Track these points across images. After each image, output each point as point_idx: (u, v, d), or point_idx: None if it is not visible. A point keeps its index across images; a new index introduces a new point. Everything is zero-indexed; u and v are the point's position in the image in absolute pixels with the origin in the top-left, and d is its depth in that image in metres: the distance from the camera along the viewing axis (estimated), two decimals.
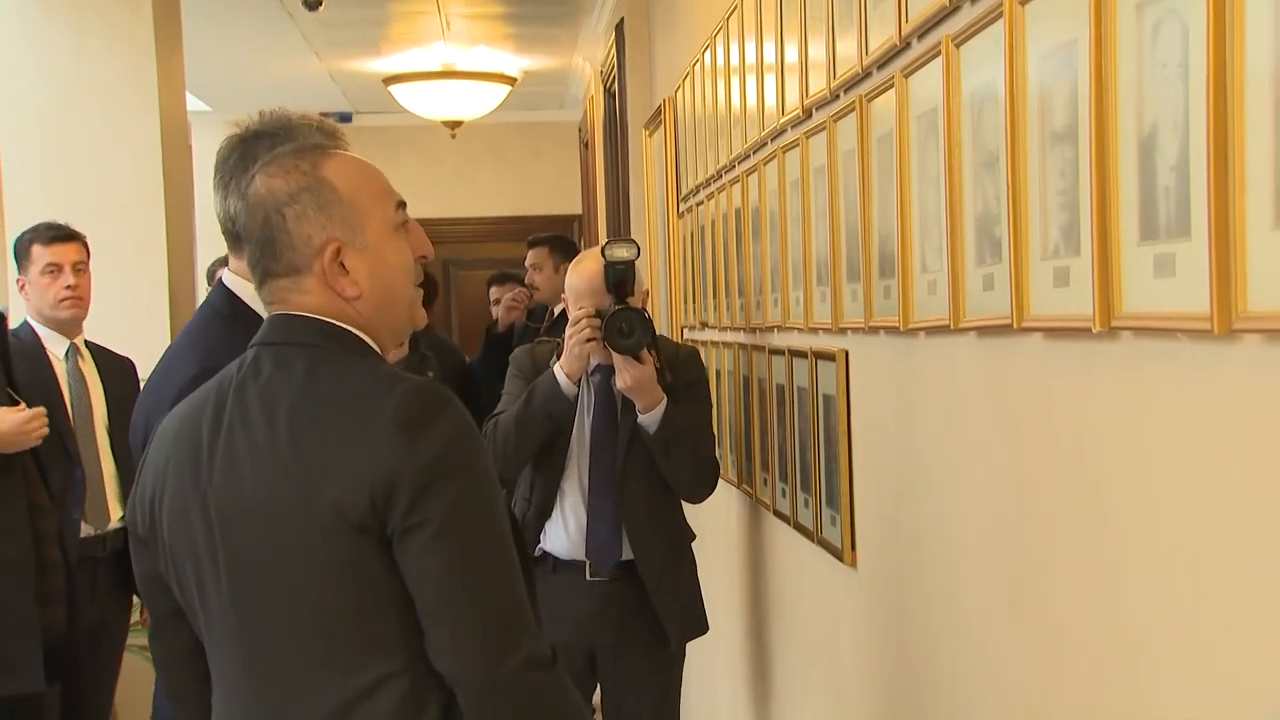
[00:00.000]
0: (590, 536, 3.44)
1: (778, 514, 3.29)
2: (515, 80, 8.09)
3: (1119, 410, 1.51)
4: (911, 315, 2.15)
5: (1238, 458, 1.26)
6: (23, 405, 3.79)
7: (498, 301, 6.52)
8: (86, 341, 4.45)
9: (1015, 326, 1.71)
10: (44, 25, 5.28)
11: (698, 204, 4.34)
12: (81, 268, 4.37)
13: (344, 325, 1.78)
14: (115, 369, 4.48)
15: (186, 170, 5.82)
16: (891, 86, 2.20)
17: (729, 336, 3.87)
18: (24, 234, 4.39)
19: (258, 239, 1.79)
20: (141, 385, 4.50)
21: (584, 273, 3.38)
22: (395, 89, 7.86)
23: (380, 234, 1.81)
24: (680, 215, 4.79)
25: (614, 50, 6.12)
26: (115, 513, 4.27)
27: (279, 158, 1.83)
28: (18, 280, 4.36)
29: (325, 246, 1.76)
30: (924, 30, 2.06)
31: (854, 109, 2.41)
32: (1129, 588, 1.50)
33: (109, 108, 5.30)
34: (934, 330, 2.07)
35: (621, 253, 3.25)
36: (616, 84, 6.10)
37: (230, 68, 8.30)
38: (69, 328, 4.35)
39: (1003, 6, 1.72)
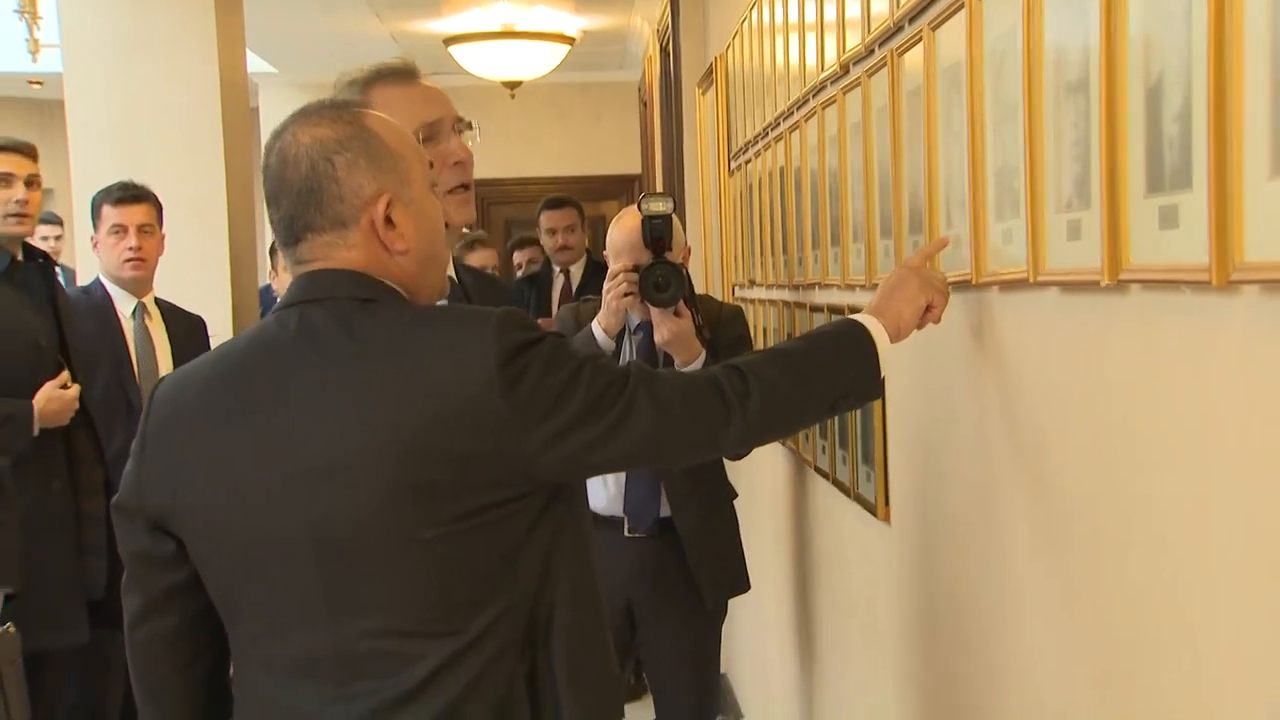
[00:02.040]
0: (629, 494, 3.45)
1: (818, 470, 3.28)
2: (574, 40, 8.08)
3: (1129, 363, 1.49)
4: (938, 270, 2.13)
5: (1237, 408, 1.24)
6: (66, 376, 3.83)
7: (521, 266, 6.51)
8: (158, 300, 4.50)
9: (1031, 280, 1.69)
10: None
11: (746, 162, 4.33)
12: (149, 230, 4.41)
13: (384, 280, 1.70)
14: (184, 326, 4.54)
15: (247, 129, 5.85)
16: (920, 40, 2.17)
17: (774, 294, 3.85)
18: (98, 193, 4.44)
19: (299, 190, 1.68)
20: (212, 344, 4.60)
21: (624, 229, 3.37)
22: (455, 49, 7.87)
23: (423, 189, 1.75)
24: (731, 173, 4.77)
25: (669, 9, 6.09)
26: None
27: (315, 110, 1.74)
28: (91, 238, 4.43)
29: (378, 197, 1.68)
30: None
31: (885, 64, 2.39)
32: (1139, 537, 1.48)
33: (170, 66, 5.34)
34: (959, 285, 2.05)
35: (657, 206, 3.23)
36: (671, 43, 6.07)
37: (294, 30, 8.34)
38: (135, 286, 4.40)
39: None
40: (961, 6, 1.95)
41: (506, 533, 1.65)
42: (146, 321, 4.45)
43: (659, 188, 6.99)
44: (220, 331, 4.91)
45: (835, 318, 2.96)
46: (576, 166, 10.17)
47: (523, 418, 1.61)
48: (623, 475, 3.45)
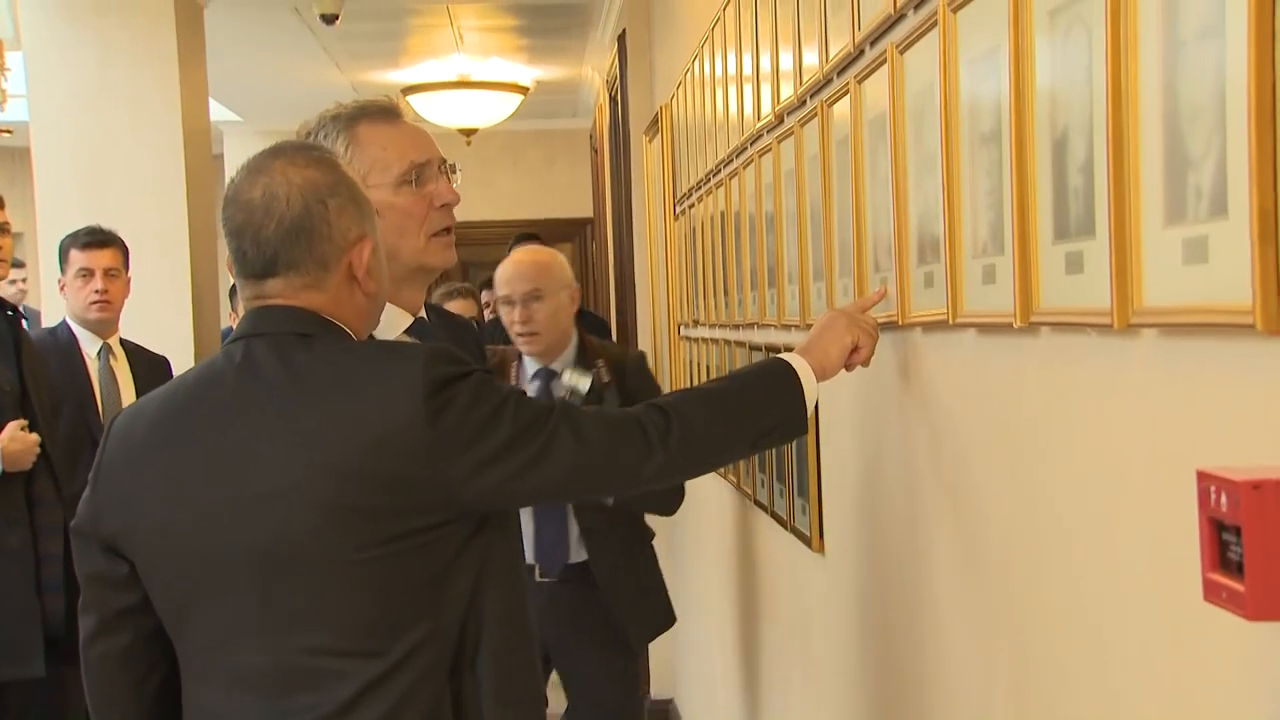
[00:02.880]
0: (538, 540, 3.42)
1: (758, 503, 3.28)
2: (528, 90, 8.11)
3: (1041, 401, 1.50)
4: (868, 315, 2.14)
5: (1140, 444, 1.25)
6: (24, 421, 3.79)
7: (489, 304, 6.46)
8: (123, 340, 4.48)
9: (951, 322, 1.71)
10: (71, 36, 5.29)
11: (690, 207, 4.34)
12: (115, 273, 4.39)
13: (333, 320, 1.71)
14: (148, 365, 4.50)
15: (210, 176, 5.83)
16: (848, 92, 2.19)
17: (716, 333, 3.87)
18: (65, 238, 4.42)
19: (290, 228, 1.67)
20: None
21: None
22: (413, 99, 7.87)
23: (380, 234, 1.78)
24: (676, 218, 4.79)
25: (617, 60, 6.12)
26: None
27: (295, 150, 1.73)
28: (59, 281, 4.39)
29: (361, 242, 1.71)
30: (874, 38, 2.05)
31: (816, 114, 2.41)
32: (1054, 562, 1.49)
33: (134, 115, 5.31)
34: (886, 326, 2.06)
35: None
36: (619, 93, 6.10)
37: (257, 80, 8.33)
38: (101, 328, 4.38)
39: (938, 14, 1.72)
40: (884, 62, 1.97)
41: (435, 556, 1.66)
42: (111, 362, 4.42)
43: (609, 231, 7.01)
44: (183, 371, 4.87)
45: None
46: (531, 210, 10.19)
47: (447, 446, 1.63)
48: (531, 522, 3.41)
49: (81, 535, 1.78)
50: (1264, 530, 0.94)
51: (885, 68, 1.96)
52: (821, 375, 1.98)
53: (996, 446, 1.66)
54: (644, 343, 5.76)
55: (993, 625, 1.71)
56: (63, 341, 4.35)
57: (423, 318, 2.17)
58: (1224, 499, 0.97)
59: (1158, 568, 1.22)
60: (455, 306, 5.15)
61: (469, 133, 8.21)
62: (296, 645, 1.66)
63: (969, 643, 1.82)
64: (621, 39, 5.95)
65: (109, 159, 5.29)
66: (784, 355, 1.99)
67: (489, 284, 6.74)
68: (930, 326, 1.85)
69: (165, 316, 5.22)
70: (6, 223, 4.04)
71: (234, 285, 5.52)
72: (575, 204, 9.91)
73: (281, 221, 1.67)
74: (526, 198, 10.29)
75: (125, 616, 1.76)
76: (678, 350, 4.85)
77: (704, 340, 4.13)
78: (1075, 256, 1.34)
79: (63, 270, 4.38)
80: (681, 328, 4.76)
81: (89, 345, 4.37)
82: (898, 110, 1.92)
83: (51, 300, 4.93)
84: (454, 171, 2.17)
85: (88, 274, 4.34)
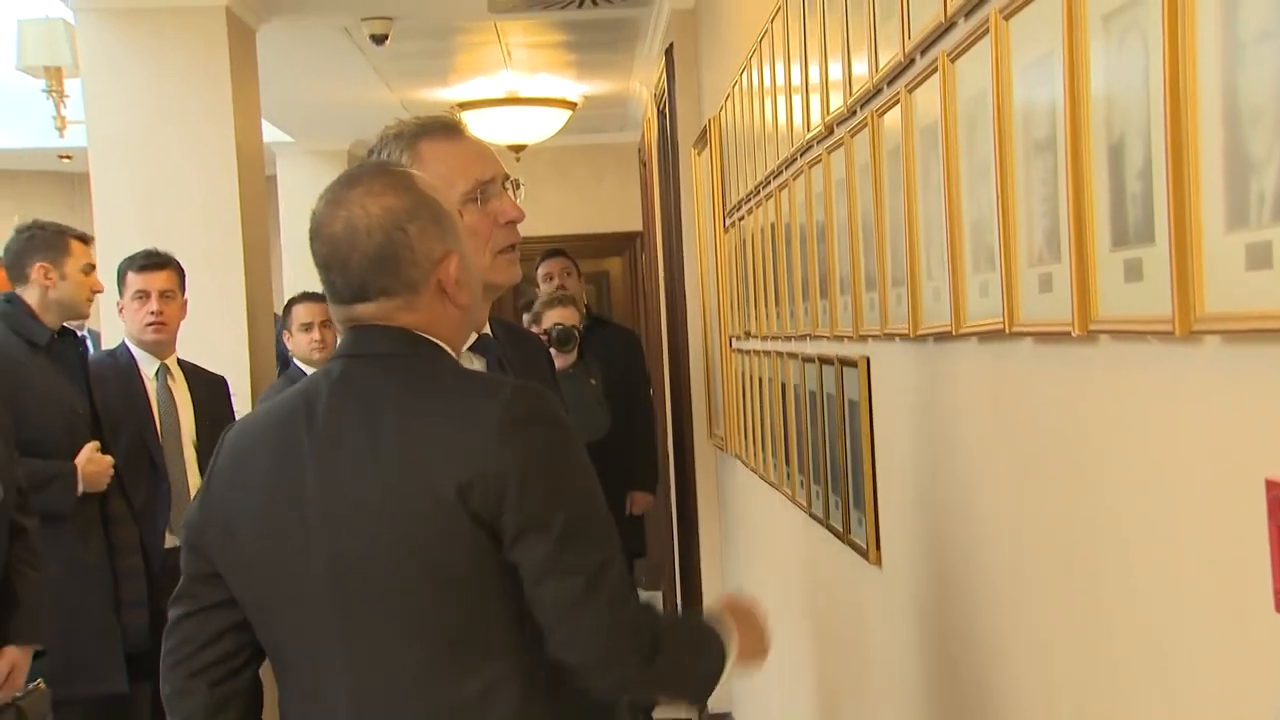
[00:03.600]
0: None
1: (813, 515, 3.26)
2: (576, 105, 8.12)
3: (1100, 412, 1.48)
4: (920, 322, 2.13)
5: (1203, 455, 1.23)
6: (98, 444, 3.87)
7: (550, 277, 6.41)
8: (181, 361, 4.52)
9: (1007, 331, 1.69)
10: (127, 62, 5.35)
11: (740, 219, 4.33)
12: (171, 295, 4.44)
13: (430, 338, 1.75)
14: (206, 386, 4.57)
15: (264, 196, 5.88)
16: (898, 102, 2.18)
17: (768, 345, 3.85)
18: (123, 261, 4.48)
19: (374, 258, 1.71)
20: (233, 401, 4.61)
21: None
22: (463, 115, 7.91)
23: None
24: (726, 230, 4.78)
25: (664, 74, 6.12)
26: None
27: (371, 177, 1.76)
28: (117, 303, 4.45)
29: (448, 258, 1.74)
30: (925, 46, 2.04)
31: (866, 124, 2.39)
32: (1115, 576, 1.47)
33: (189, 139, 5.36)
34: (940, 336, 2.04)
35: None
36: (668, 105, 6.10)
37: (309, 101, 8.39)
38: (157, 349, 4.43)
39: (989, 22, 1.70)
40: (935, 70, 1.95)
41: (514, 592, 1.67)
42: (169, 383, 4.47)
43: (659, 244, 7.01)
44: (239, 390, 4.92)
45: (825, 367, 2.95)
46: (580, 225, 10.20)
47: (511, 486, 1.64)
48: None
49: (190, 536, 1.83)
50: None
51: (936, 76, 1.95)
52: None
53: (1056, 457, 1.63)
54: (695, 357, 5.76)
55: (1053, 640, 1.68)
56: (122, 363, 4.42)
57: (488, 334, 2.17)
58: None
59: (1224, 580, 1.20)
60: (556, 314, 5.20)
61: (518, 149, 8.23)
62: (385, 671, 1.68)
63: (1029, 657, 1.79)
64: (669, 53, 5.95)
65: (165, 181, 5.35)
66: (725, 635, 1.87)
67: (528, 307, 6.75)
68: (986, 336, 1.83)
69: (220, 337, 5.26)
70: (92, 263, 4.15)
71: (287, 304, 5.58)
72: (624, 218, 9.90)
73: (365, 253, 1.72)
74: (575, 212, 10.30)
75: (217, 609, 1.80)
76: (730, 363, 4.84)
77: (756, 352, 4.12)
78: (1134, 263, 1.32)
79: (120, 293, 4.44)
80: (733, 340, 4.75)
81: (147, 366, 4.43)
82: (950, 118, 1.90)
83: (111, 322, 4.98)
84: (517, 188, 2.17)
85: (144, 296, 4.39)
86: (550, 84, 8.00)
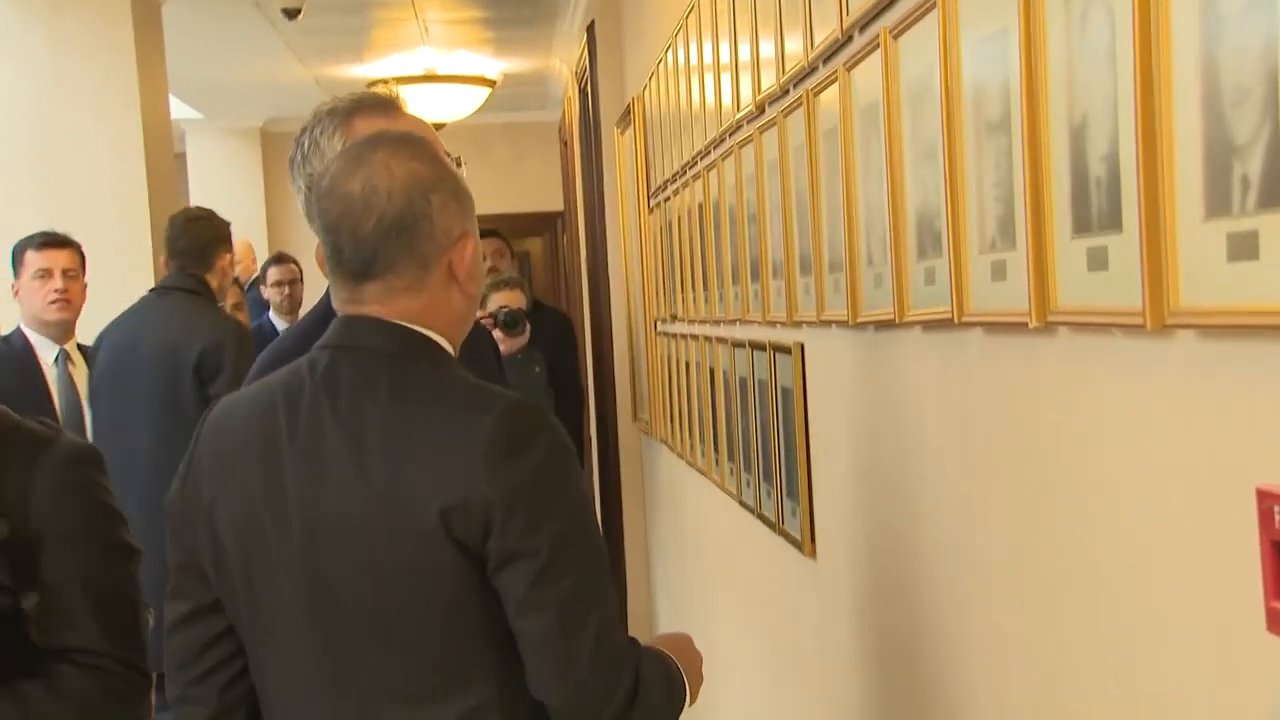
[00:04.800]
0: None
1: (743, 504, 3.19)
2: (495, 83, 8.00)
3: (1059, 406, 1.41)
4: (860, 309, 2.05)
5: (1174, 455, 1.16)
6: None
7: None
8: (79, 345, 4.37)
9: (956, 321, 1.62)
10: (22, 32, 5.17)
11: (665, 200, 4.25)
12: (73, 274, 4.31)
13: (425, 332, 1.62)
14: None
15: (172, 175, 5.71)
16: (835, 80, 2.10)
17: (696, 329, 3.77)
18: (20, 241, 4.32)
19: (391, 224, 1.57)
20: None
21: None
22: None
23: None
24: (650, 211, 4.69)
25: (586, 51, 6.01)
26: None
27: (397, 140, 1.63)
28: (12, 286, 4.27)
29: (464, 239, 1.61)
30: (864, 23, 1.96)
31: (801, 103, 2.31)
32: (1072, 581, 1.40)
33: (91, 112, 5.20)
34: (882, 325, 1.97)
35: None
36: (589, 84, 5.99)
37: (220, 76, 8.19)
38: (59, 331, 4.28)
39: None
40: (876, 47, 1.88)
41: (494, 617, 1.55)
42: (70, 368, 4.31)
43: (581, 225, 6.91)
44: None
45: (756, 353, 2.87)
46: (501, 204, 10.05)
47: (499, 509, 1.51)
48: None
49: (173, 521, 1.71)
50: None
51: (878, 54, 1.87)
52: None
53: (1007, 452, 1.57)
54: (619, 339, 5.67)
55: (1005, 643, 1.62)
56: (17, 349, 4.24)
57: None
58: None
59: (1204, 595, 1.13)
60: (503, 297, 5.01)
61: (438, 127, 8.08)
62: (362, 688, 1.58)
63: (975, 659, 1.73)
64: (590, 29, 5.85)
65: (66, 161, 5.18)
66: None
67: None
68: (932, 325, 1.76)
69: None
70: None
71: (265, 264, 5.45)
72: (545, 197, 9.80)
73: (383, 217, 1.57)
74: (496, 191, 10.15)
75: (215, 611, 1.68)
76: (655, 346, 4.76)
77: (683, 336, 4.04)
78: (1098, 252, 1.24)
79: (16, 274, 4.27)
80: (658, 323, 4.67)
81: (46, 352, 4.28)
82: (892, 98, 1.82)
83: (6, 307, 4.79)
84: (460, 165, 2.06)
85: (46, 274, 4.24)
86: (469, 61, 7.88)
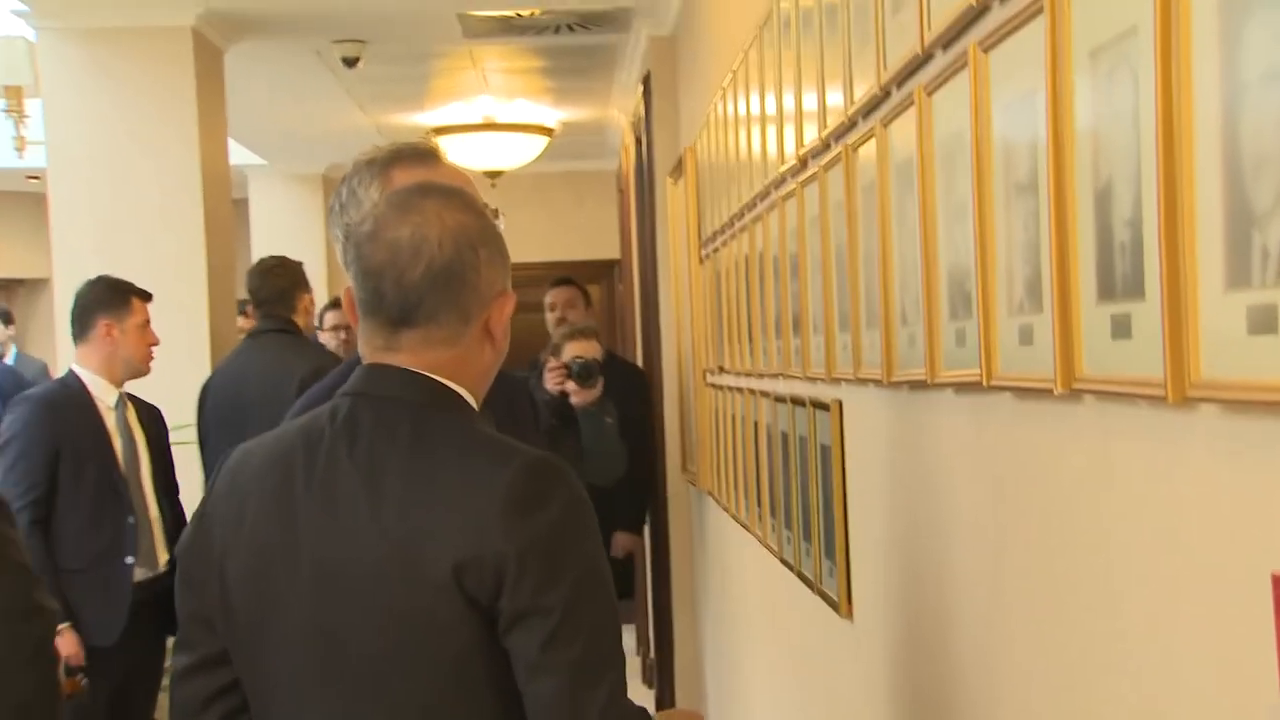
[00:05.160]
0: None
1: (784, 562, 3.14)
2: (553, 131, 8.04)
3: (1086, 476, 1.37)
4: (895, 368, 2.02)
5: (1200, 536, 1.12)
6: None
7: (553, 307, 6.09)
8: (127, 392, 4.39)
9: (985, 384, 1.58)
10: (90, 82, 5.26)
11: (715, 250, 4.23)
12: None
13: (450, 384, 1.61)
14: (151, 418, 4.41)
15: (229, 221, 5.76)
16: (873, 136, 2.08)
17: (741, 382, 3.74)
18: (119, 282, 4.26)
19: (438, 273, 1.56)
20: (170, 434, 4.49)
21: None
22: (439, 141, 7.81)
23: None
24: (702, 261, 4.68)
25: (642, 102, 6.03)
26: (162, 556, 4.21)
27: (447, 192, 1.63)
28: (104, 324, 4.16)
29: (504, 297, 1.61)
30: (901, 79, 1.94)
31: (841, 159, 2.29)
32: (1096, 652, 1.36)
33: (152, 160, 5.26)
34: (916, 385, 1.93)
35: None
36: (644, 134, 6.00)
37: (282, 123, 8.29)
38: (124, 379, 4.26)
39: (968, 55, 1.60)
40: (911, 104, 1.85)
41: (499, 673, 1.52)
42: (126, 414, 4.31)
43: (635, 273, 6.90)
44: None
45: (797, 408, 2.84)
46: (559, 251, 10.08)
47: (513, 566, 1.49)
48: None
49: (183, 569, 1.70)
50: None
51: (912, 110, 1.85)
52: None
53: (1037, 520, 1.53)
54: (670, 389, 5.64)
55: (1028, 709, 1.57)
56: (76, 394, 4.20)
57: None
58: None
59: (1224, 674, 1.09)
60: (577, 347, 4.88)
61: (495, 175, 8.15)
62: None
63: None
64: (646, 81, 5.87)
65: (127, 205, 5.24)
66: None
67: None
68: (963, 387, 1.73)
69: (182, 367, 5.12)
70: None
71: (323, 309, 5.49)
72: (604, 245, 9.79)
73: (431, 265, 1.56)
74: (555, 239, 10.20)
75: (221, 664, 1.66)
76: (704, 397, 4.73)
77: (730, 388, 4.01)
78: (1122, 319, 1.21)
79: (116, 317, 4.19)
80: (707, 374, 4.64)
81: (107, 396, 4.22)
82: (926, 156, 1.80)
83: (66, 349, 4.83)
84: (496, 216, 2.04)
85: (147, 325, 4.26)
86: (528, 110, 7.92)
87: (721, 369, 4.18)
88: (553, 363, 4.79)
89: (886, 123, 2.00)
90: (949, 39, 1.72)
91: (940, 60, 1.76)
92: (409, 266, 1.56)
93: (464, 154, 7.94)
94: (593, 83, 7.41)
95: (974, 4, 1.58)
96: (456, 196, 1.63)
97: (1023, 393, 1.50)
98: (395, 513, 1.52)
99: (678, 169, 5.19)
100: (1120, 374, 1.22)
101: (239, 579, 1.62)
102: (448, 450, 1.56)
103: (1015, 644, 1.62)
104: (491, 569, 1.48)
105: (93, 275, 4.36)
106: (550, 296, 6.12)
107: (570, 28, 6.03)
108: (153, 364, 4.28)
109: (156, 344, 4.25)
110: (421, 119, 7.93)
